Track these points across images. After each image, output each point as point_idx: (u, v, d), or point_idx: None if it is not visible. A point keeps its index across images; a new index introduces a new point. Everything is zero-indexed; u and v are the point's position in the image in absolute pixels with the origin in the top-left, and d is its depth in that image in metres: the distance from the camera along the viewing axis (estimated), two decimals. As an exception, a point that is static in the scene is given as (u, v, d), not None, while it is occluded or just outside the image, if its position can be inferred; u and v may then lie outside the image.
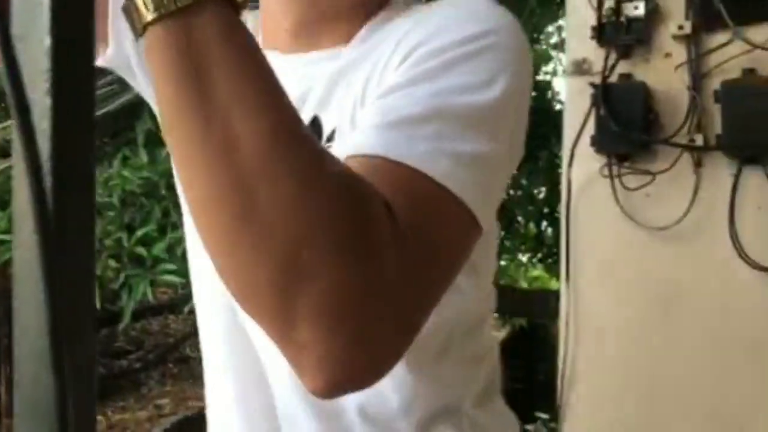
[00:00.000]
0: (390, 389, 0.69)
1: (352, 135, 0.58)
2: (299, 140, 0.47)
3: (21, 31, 0.37)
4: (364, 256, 0.46)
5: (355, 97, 0.66)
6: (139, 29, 0.47)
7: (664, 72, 1.64)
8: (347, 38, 0.70)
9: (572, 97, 1.76)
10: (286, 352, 0.48)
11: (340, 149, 0.56)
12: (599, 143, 1.67)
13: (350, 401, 0.70)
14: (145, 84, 0.82)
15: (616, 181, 1.67)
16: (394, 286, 0.48)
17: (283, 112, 0.47)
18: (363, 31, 0.70)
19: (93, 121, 0.39)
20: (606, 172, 1.68)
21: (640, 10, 1.62)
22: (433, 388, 0.71)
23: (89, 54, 0.39)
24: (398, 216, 0.49)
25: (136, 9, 0.46)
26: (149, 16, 0.45)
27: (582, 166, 1.72)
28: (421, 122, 0.54)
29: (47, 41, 0.37)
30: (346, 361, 0.47)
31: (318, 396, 0.49)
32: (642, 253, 1.67)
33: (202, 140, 0.46)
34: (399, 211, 0.49)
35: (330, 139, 0.68)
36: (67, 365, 0.34)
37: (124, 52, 0.80)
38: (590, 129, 1.68)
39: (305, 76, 0.70)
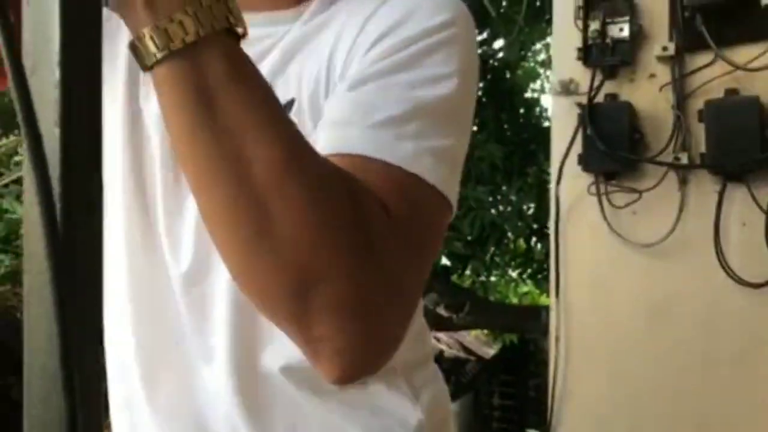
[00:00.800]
0: None
1: (332, 129, 0.59)
2: (307, 158, 0.51)
3: (31, 63, 0.39)
4: (368, 253, 0.51)
5: (318, 73, 0.65)
6: (147, 65, 0.48)
7: (648, 92, 1.67)
8: (288, 2, 0.69)
9: (559, 117, 1.79)
10: (303, 347, 0.52)
11: (304, 129, 0.57)
12: (586, 162, 1.70)
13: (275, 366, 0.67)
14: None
15: (604, 198, 1.70)
16: (394, 278, 0.53)
17: (291, 135, 0.51)
18: (316, 4, 0.69)
19: (100, 149, 0.40)
20: (593, 190, 1.71)
21: (625, 32, 1.66)
22: None
23: (97, 85, 0.40)
24: (390, 211, 0.54)
25: (144, 46, 0.47)
26: (158, 55, 0.47)
27: (570, 183, 1.75)
28: (403, 122, 0.58)
29: (57, 73, 0.38)
30: (361, 351, 0.52)
31: (335, 383, 0.53)
32: (630, 269, 1.69)
33: (218, 167, 0.48)
34: (391, 207, 0.54)
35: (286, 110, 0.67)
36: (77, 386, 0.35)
37: None
38: (578, 148, 1.71)
39: (257, 39, 0.65)
